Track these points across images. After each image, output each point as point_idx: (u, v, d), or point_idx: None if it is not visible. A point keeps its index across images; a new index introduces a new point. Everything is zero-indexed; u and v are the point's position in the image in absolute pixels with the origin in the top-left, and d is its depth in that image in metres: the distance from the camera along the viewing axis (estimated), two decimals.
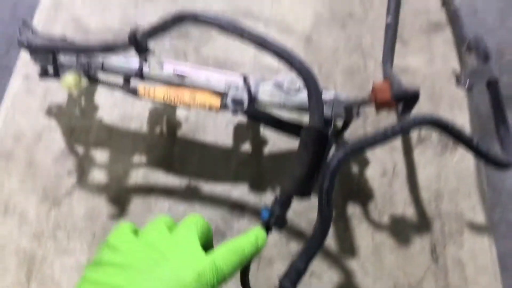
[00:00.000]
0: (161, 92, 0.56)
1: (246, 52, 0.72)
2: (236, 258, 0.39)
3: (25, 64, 0.71)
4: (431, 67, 0.73)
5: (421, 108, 0.70)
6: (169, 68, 0.58)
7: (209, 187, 0.64)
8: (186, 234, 0.40)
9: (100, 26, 0.75)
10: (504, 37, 1.58)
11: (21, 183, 0.63)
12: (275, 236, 0.61)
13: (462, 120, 0.69)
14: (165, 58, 0.60)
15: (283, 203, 0.45)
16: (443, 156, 0.67)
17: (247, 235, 0.42)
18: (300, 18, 0.77)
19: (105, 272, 0.38)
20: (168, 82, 0.59)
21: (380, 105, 0.52)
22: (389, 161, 0.66)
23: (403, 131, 0.46)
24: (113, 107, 0.68)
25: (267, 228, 0.44)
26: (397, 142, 0.68)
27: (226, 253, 0.39)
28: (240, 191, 0.64)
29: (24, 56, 0.72)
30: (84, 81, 0.56)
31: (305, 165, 0.44)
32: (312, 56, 0.73)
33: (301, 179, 0.44)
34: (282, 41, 0.49)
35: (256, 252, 0.42)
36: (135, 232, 0.42)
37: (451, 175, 0.65)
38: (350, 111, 0.57)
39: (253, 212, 0.63)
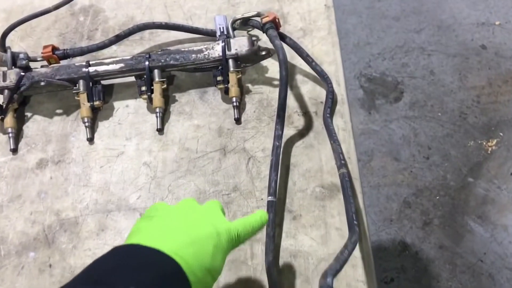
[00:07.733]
0: None
1: None
2: (248, 229, 0.51)
3: None
4: None
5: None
6: None
7: None
8: (212, 206, 0.51)
9: None
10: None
11: None
12: None
13: None
14: None
15: None
16: None
17: (254, 215, 0.53)
18: None
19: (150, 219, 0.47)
20: None
21: None
22: None
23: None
24: None
25: None
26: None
27: (242, 224, 0.50)
28: None
29: None
30: None
31: None
32: None
33: None
34: None
35: (261, 226, 0.53)
36: None
37: None
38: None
39: None
